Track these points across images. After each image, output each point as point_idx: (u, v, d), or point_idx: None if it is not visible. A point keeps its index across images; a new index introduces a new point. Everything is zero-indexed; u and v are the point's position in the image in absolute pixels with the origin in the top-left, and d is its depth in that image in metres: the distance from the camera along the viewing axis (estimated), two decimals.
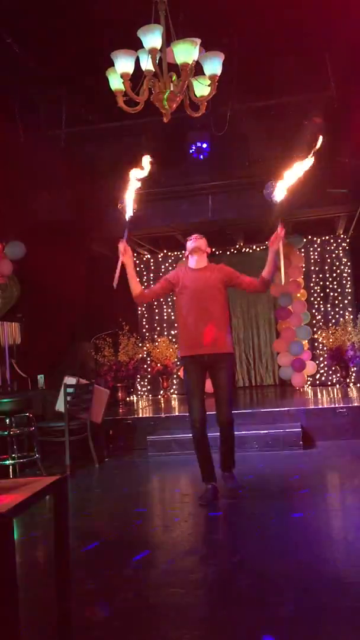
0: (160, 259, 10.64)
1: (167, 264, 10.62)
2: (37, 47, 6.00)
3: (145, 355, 9.73)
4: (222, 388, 4.37)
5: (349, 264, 10.10)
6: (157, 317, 10.59)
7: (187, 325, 4.38)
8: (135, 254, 10.59)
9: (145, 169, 3.89)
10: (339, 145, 6.92)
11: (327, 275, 10.17)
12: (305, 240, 9.89)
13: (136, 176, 3.93)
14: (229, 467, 4.58)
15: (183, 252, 10.02)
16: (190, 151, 7.63)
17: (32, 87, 6.74)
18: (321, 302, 10.17)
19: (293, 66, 6.35)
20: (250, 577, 2.95)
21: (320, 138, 3.82)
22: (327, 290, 10.15)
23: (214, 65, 3.63)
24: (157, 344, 9.73)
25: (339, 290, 10.12)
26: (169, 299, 10.44)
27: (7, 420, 5.34)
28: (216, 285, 4.38)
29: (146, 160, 3.87)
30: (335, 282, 10.14)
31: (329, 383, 9.97)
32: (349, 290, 10.07)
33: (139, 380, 10.29)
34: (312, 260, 10.22)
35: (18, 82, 6.41)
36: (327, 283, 10.16)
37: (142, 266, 10.71)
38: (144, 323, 10.63)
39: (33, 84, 6.61)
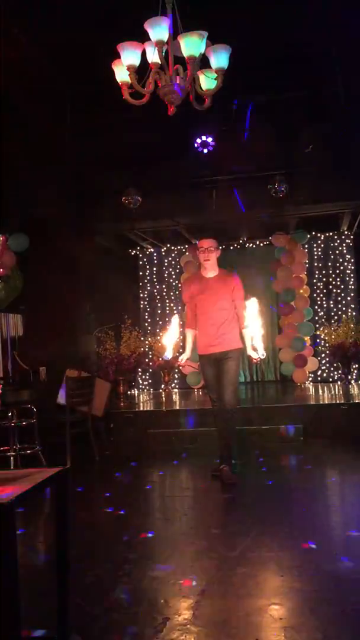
0: (163, 253, 10.62)
1: (170, 258, 10.60)
2: (40, 44, 5.96)
3: (147, 349, 9.73)
4: (227, 373, 4.79)
5: (352, 260, 10.06)
6: (159, 312, 10.58)
7: (202, 328, 4.90)
8: (138, 248, 10.59)
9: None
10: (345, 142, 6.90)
11: (331, 271, 10.15)
12: (309, 236, 9.86)
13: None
14: (225, 458, 4.73)
15: (187, 246, 10.11)
16: (195, 145, 7.59)
17: (35, 83, 6.69)
18: (324, 298, 10.15)
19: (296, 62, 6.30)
20: (250, 571, 2.97)
21: None
22: (330, 286, 10.13)
23: (221, 58, 3.59)
24: (159, 337, 9.72)
25: (342, 286, 10.10)
26: (172, 294, 10.44)
27: (9, 412, 5.36)
28: (225, 293, 4.81)
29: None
30: (338, 279, 10.12)
31: (331, 380, 9.97)
32: (352, 287, 10.05)
33: (140, 374, 10.31)
34: (316, 257, 10.19)
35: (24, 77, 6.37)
36: (330, 279, 10.14)
37: (145, 260, 10.70)
38: (146, 317, 10.62)
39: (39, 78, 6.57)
